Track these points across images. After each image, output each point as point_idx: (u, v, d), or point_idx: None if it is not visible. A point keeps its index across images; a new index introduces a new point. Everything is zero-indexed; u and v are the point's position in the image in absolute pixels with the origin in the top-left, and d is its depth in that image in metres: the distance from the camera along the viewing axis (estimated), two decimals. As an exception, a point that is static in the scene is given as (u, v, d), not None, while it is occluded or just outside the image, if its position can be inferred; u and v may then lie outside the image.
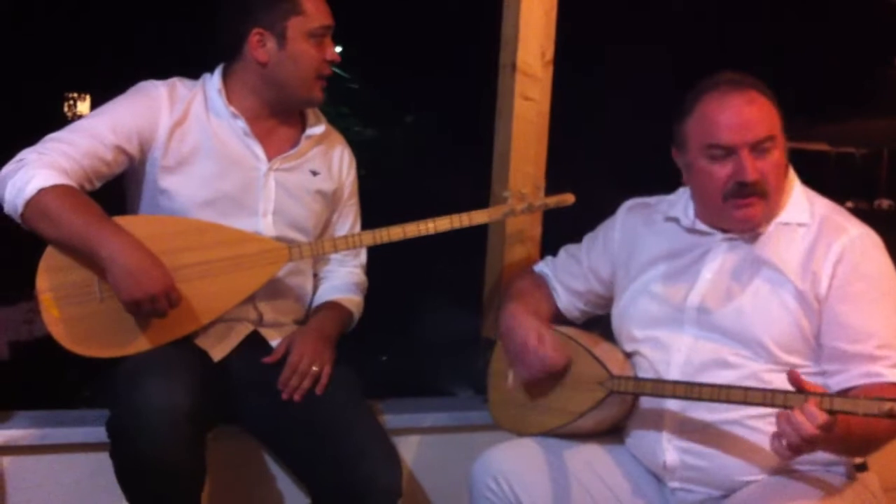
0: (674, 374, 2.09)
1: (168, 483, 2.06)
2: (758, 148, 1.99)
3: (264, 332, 2.37)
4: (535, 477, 2.13)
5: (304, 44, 2.30)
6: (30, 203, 2.08)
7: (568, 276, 2.39)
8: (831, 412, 1.70)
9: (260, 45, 2.30)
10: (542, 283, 2.42)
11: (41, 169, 2.10)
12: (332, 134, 2.53)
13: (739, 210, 2.03)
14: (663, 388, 2.04)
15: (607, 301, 2.34)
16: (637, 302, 2.20)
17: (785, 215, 2.08)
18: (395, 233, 2.31)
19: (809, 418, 1.70)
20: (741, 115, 2.00)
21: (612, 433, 2.25)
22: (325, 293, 2.51)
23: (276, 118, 2.39)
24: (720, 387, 1.92)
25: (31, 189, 2.08)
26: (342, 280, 2.53)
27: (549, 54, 2.67)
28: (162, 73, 2.40)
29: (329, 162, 2.50)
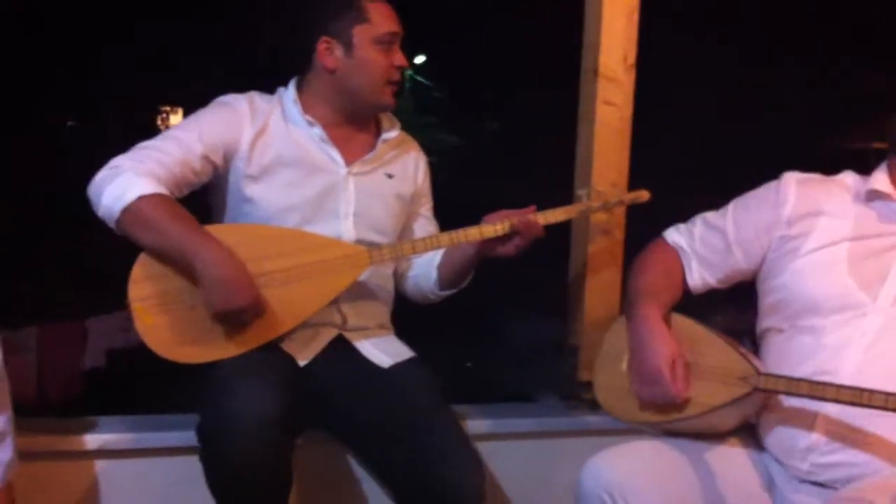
0: (848, 366, 1.98)
1: (256, 487, 2.09)
2: None
3: (349, 335, 2.40)
4: (654, 487, 1.99)
5: (371, 51, 2.34)
6: (128, 209, 2.14)
7: (707, 248, 2.25)
8: None
9: (328, 53, 2.35)
10: (675, 259, 2.29)
11: (139, 177, 2.16)
12: (406, 139, 2.58)
13: None
14: (823, 390, 1.91)
15: (744, 276, 2.23)
16: (820, 274, 2.07)
17: None
18: (472, 233, 2.31)
19: None
20: None
21: (739, 433, 2.16)
22: (428, 256, 2.51)
23: (351, 124, 2.44)
24: (891, 395, 1.83)
25: (130, 196, 2.13)
26: (428, 258, 2.53)
27: (632, 58, 2.65)
28: (248, 87, 2.47)
29: (404, 165, 2.54)
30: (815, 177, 2.22)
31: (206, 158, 2.29)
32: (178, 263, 2.17)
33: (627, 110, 2.66)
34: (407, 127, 2.61)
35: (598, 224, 2.64)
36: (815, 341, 2.04)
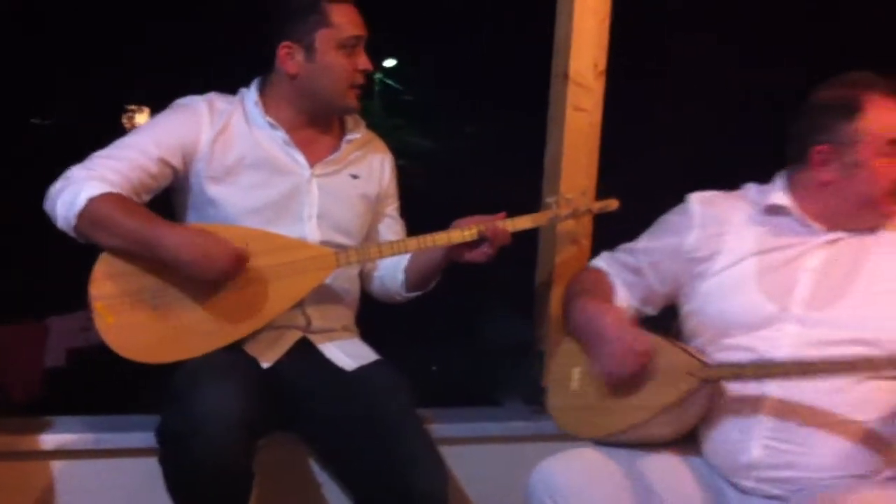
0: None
1: (217, 489, 2.07)
2: None
3: (313, 338, 2.38)
4: (595, 492, 2.03)
5: (334, 55, 2.32)
6: (82, 214, 2.12)
7: (626, 271, 2.33)
8: None
9: (289, 58, 2.33)
10: (603, 279, 2.35)
11: (89, 181, 2.15)
12: (373, 139, 2.57)
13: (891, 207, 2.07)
14: (770, 369, 1.97)
15: (665, 300, 2.30)
16: (730, 293, 2.13)
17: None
18: (440, 238, 2.30)
19: None
20: None
21: (682, 443, 2.17)
22: (392, 264, 2.51)
23: (315, 126, 2.43)
24: (839, 360, 1.88)
25: (80, 200, 2.12)
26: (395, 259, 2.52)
27: (602, 65, 2.65)
28: (217, 86, 2.46)
29: (370, 166, 2.53)
30: (718, 194, 2.29)
31: (162, 161, 2.27)
32: (142, 259, 2.15)
33: (597, 116, 2.66)
34: (375, 129, 2.61)
35: (566, 231, 2.64)
36: (739, 359, 2.08)
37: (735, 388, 2.07)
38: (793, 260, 2.11)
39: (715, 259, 2.18)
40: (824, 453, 1.98)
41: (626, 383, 2.11)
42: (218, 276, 2.13)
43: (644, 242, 2.34)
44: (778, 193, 2.18)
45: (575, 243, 2.67)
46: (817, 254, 2.10)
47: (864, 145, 2.05)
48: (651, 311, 2.34)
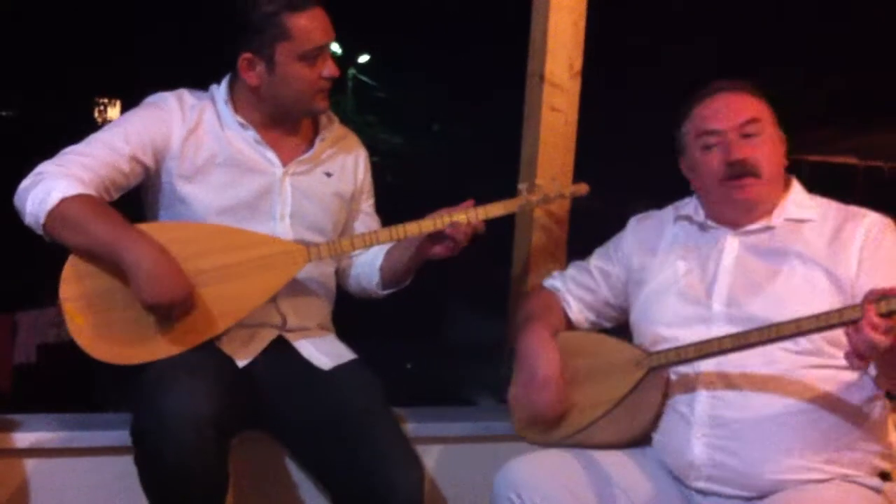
0: (709, 371, 2.08)
1: (191, 488, 2.06)
2: (745, 131, 2.12)
3: (289, 336, 2.38)
4: (558, 490, 2.09)
5: (295, 67, 2.28)
6: (52, 213, 2.10)
7: (579, 287, 2.40)
8: (891, 313, 1.72)
9: (250, 69, 2.30)
10: (553, 299, 2.42)
11: (61, 179, 2.13)
12: (347, 135, 2.56)
13: (736, 191, 2.14)
14: (707, 346, 2.02)
15: (619, 312, 2.37)
16: (659, 301, 2.21)
17: (790, 212, 2.15)
18: (412, 228, 2.29)
19: (874, 327, 1.72)
20: (727, 102, 2.16)
21: (639, 443, 2.22)
22: (370, 257, 2.52)
23: (285, 126, 2.41)
24: (769, 326, 1.93)
25: (52, 199, 2.09)
26: (370, 256, 2.53)
27: (578, 65, 2.66)
28: (189, 80, 2.44)
29: (343, 163, 2.51)
30: (652, 214, 2.39)
31: (134, 159, 2.25)
32: (108, 263, 2.13)
33: (573, 115, 2.67)
34: (348, 126, 2.60)
35: (541, 223, 2.66)
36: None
37: (675, 387, 2.13)
38: (707, 261, 2.18)
39: (646, 274, 2.27)
40: (762, 453, 2.01)
41: (571, 393, 2.22)
42: (162, 301, 2.09)
43: (595, 259, 2.42)
44: (690, 203, 2.29)
45: (549, 233, 2.69)
46: (729, 253, 2.16)
47: None
48: (607, 323, 2.42)
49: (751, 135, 2.12)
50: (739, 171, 2.11)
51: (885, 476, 2.07)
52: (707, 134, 2.15)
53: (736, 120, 2.12)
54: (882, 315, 1.72)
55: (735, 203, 2.15)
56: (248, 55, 2.28)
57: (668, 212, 2.34)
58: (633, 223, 2.40)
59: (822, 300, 2.00)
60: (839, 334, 1.94)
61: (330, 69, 2.32)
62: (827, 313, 1.84)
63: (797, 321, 1.89)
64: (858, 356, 1.77)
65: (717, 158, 2.14)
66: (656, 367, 2.10)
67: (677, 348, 2.08)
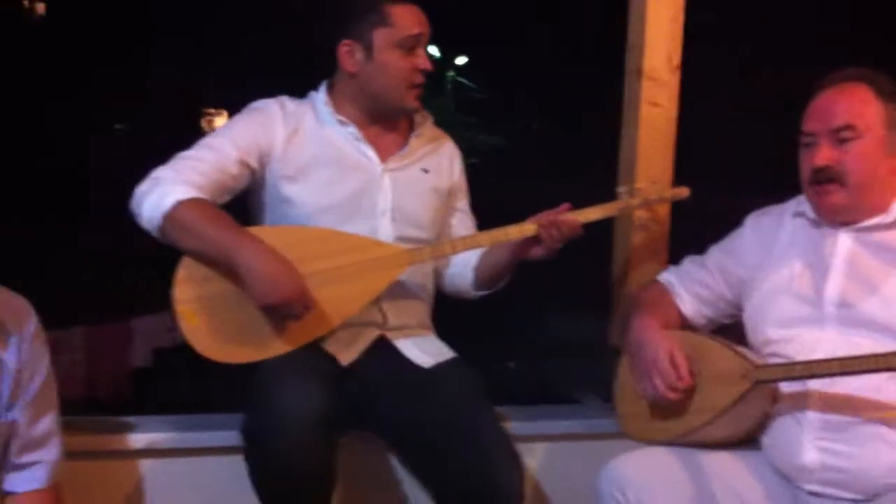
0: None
1: (300, 487, 2.10)
2: (837, 136, 2.04)
3: (390, 335, 2.40)
4: (664, 488, 2.07)
5: (392, 54, 2.35)
6: (168, 216, 2.17)
7: (694, 283, 2.35)
8: None
9: (349, 56, 2.37)
10: (666, 294, 2.38)
11: (178, 185, 2.20)
12: (440, 134, 2.59)
13: (818, 196, 2.09)
14: (815, 367, 1.97)
15: (734, 308, 2.31)
16: (772, 301, 2.15)
17: None
18: (512, 232, 2.31)
19: None
20: (826, 102, 2.08)
21: (746, 443, 2.18)
22: (466, 258, 2.52)
23: (382, 123, 2.46)
24: (879, 355, 1.87)
25: (168, 202, 2.17)
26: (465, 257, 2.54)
27: (676, 59, 2.63)
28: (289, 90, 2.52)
29: (439, 160, 2.55)
30: (770, 210, 2.31)
31: (241, 163, 2.32)
32: (220, 266, 2.19)
33: (673, 111, 2.64)
34: (448, 128, 2.63)
35: (641, 222, 2.63)
36: (788, 357, 2.09)
37: (787, 390, 2.08)
38: (819, 262, 2.11)
39: (763, 272, 2.21)
40: (876, 457, 1.96)
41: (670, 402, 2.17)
42: (278, 300, 2.13)
43: (712, 254, 2.37)
44: (802, 200, 2.20)
45: (650, 232, 2.66)
46: (841, 251, 2.09)
47: None
48: (723, 320, 2.37)
49: (844, 140, 2.03)
50: (822, 178, 2.05)
51: None
52: (804, 134, 2.10)
53: (829, 124, 2.05)
54: None
55: (816, 208, 2.11)
56: (348, 42, 2.36)
57: (788, 207, 2.26)
58: (752, 220, 2.33)
59: None
60: None
61: (424, 62, 2.38)
62: None
63: None
64: None
65: (807, 160, 2.09)
66: (762, 382, 2.04)
67: (786, 365, 2.03)
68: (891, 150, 2.05)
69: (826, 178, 2.05)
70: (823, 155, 2.04)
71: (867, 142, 2.03)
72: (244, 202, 2.46)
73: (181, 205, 2.17)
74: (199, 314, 2.21)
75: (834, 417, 2.00)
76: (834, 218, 2.09)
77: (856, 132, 2.03)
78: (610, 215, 2.44)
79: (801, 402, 2.04)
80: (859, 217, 2.07)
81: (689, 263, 2.40)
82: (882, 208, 2.06)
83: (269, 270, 2.13)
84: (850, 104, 2.05)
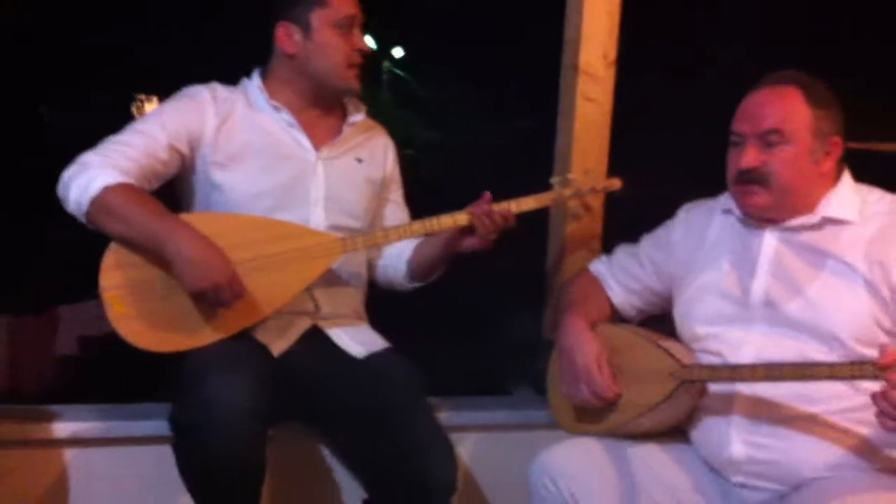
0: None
1: (230, 477, 2.08)
2: (764, 139, 2.04)
3: (322, 324, 2.39)
4: (593, 478, 2.09)
5: (330, 34, 2.36)
6: (95, 201, 2.14)
7: (624, 274, 2.37)
8: None
9: (287, 38, 2.38)
10: (596, 284, 2.40)
11: (105, 169, 2.17)
12: (373, 125, 2.60)
13: (742, 196, 2.10)
14: (740, 372, 1.99)
15: (664, 300, 2.33)
16: (700, 299, 2.18)
17: (832, 209, 2.06)
18: (446, 221, 2.32)
19: None
20: (756, 104, 2.08)
21: (672, 434, 2.21)
22: (398, 249, 2.54)
23: (317, 109, 2.46)
24: (803, 365, 1.91)
25: (95, 187, 2.14)
26: (398, 248, 2.56)
27: (612, 55, 2.65)
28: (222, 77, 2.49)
29: (373, 150, 2.55)
30: (701, 204, 2.33)
31: (171, 148, 2.29)
32: (149, 252, 2.16)
33: (607, 106, 2.66)
34: (385, 121, 2.63)
35: (574, 212, 2.66)
36: (715, 354, 2.13)
37: (714, 388, 2.11)
38: (747, 259, 2.14)
39: (693, 266, 2.23)
40: (801, 451, 2.00)
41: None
42: (207, 285, 2.11)
43: (643, 246, 2.38)
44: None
45: (583, 225, 2.69)
46: (766, 250, 2.12)
47: None
48: (655, 311, 2.39)
49: (771, 143, 2.04)
50: (746, 178, 2.06)
51: None
52: (733, 134, 2.10)
53: (757, 127, 2.05)
54: None
55: (740, 207, 2.13)
56: (285, 24, 2.37)
57: (717, 202, 2.27)
58: (683, 213, 2.35)
59: (862, 312, 1.97)
60: (873, 338, 1.95)
61: (360, 42, 2.40)
62: (861, 364, 1.81)
63: (830, 366, 1.87)
64: (890, 417, 1.74)
65: (734, 160, 2.10)
66: (688, 382, 2.07)
67: (711, 367, 2.06)
68: (816, 157, 2.05)
69: (751, 179, 2.06)
70: (750, 157, 2.05)
71: (793, 148, 2.03)
72: (172, 188, 2.42)
73: (109, 190, 2.14)
74: (126, 301, 2.18)
75: (759, 414, 2.03)
76: (759, 217, 2.12)
77: (783, 137, 2.03)
78: (544, 206, 2.45)
79: (728, 399, 2.08)
80: (784, 216, 2.09)
81: (622, 253, 2.41)
82: (808, 209, 2.07)
83: (198, 255, 2.11)
84: (780, 108, 2.04)
